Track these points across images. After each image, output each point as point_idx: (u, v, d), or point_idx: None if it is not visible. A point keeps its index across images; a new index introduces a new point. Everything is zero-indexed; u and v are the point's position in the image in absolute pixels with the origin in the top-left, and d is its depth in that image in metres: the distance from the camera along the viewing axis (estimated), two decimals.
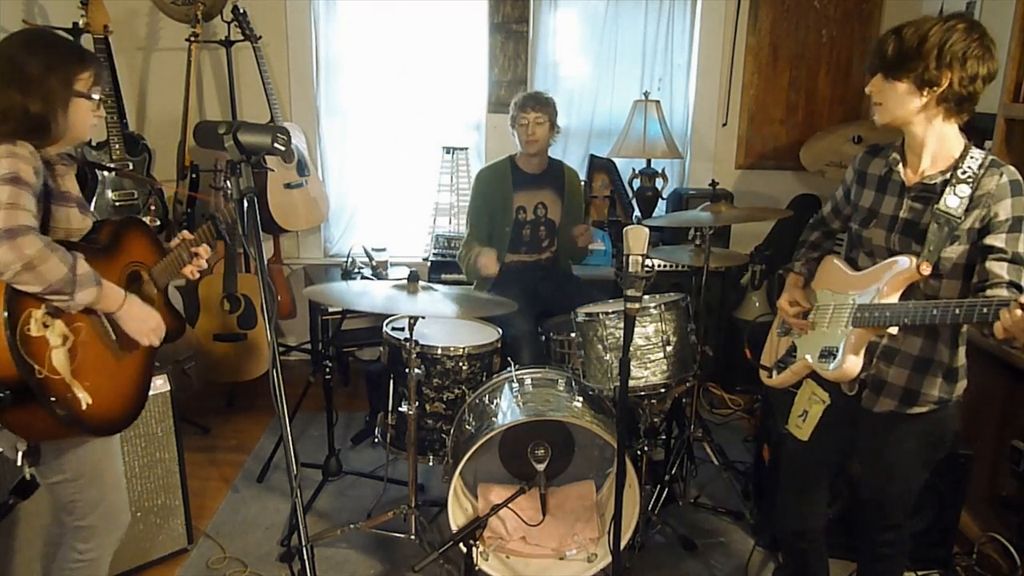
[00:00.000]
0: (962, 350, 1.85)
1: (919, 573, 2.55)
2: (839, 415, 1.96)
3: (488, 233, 3.32)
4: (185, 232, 2.00)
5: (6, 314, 1.56)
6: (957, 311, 1.56)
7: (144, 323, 1.80)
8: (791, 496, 2.17)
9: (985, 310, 1.52)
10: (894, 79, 1.72)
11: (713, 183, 3.40)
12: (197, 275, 2.04)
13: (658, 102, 3.96)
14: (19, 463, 1.72)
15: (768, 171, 4.32)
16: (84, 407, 1.68)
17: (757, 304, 4.02)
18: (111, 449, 1.91)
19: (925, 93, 1.70)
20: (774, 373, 2.09)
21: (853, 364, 1.80)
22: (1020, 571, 2.51)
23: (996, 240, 1.68)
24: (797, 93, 4.23)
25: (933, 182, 1.76)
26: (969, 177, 1.71)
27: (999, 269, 1.66)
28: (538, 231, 3.38)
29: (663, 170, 4.03)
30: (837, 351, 1.83)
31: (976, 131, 1.82)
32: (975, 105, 1.75)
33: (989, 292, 1.66)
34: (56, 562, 1.92)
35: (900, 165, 1.83)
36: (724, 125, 4.27)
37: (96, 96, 1.78)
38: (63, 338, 1.65)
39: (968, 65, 1.67)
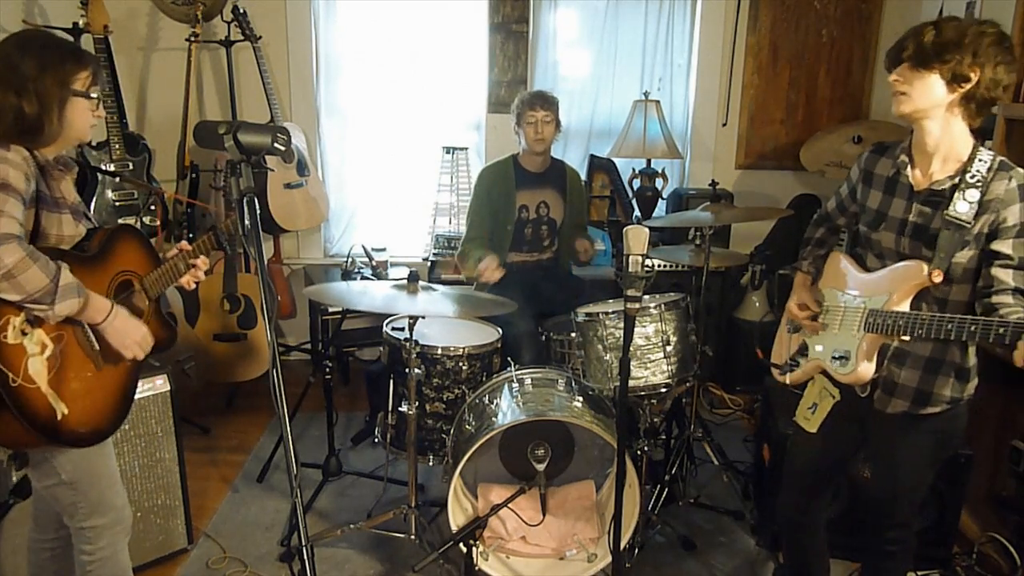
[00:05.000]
0: (972, 350, 1.85)
1: (919, 573, 2.55)
2: (848, 413, 1.96)
3: (489, 232, 3.32)
4: (184, 243, 1.98)
5: None
6: (972, 328, 1.56)
7: (127, 336, 1.77)
8: (794, 490, 2.17)
9: (1001, 331, 1.51)
10: (926, 69, 1.70)
11: (713, 183, 3.40)
12: (193, 286, 2.01)
13: (658, 102, 3.96)
14: (4, 466, 1.71)
15: (768, 171, 4.32)
16: (59, 417, 1.65)
17: (757, 304, 4.02)
18: (103, 447, 1.87)
19: (953, 88, 1.70)
20: (787, 372, 2.09)
21: (866, 369, 1.80)
22: (1020, 571, 2.51)
23: (1003, 246, 1.68)
24: (797, 93, 4.23)
25: (942, 187, 1.75)
26: (978, 181, 1.70)
27: (1005, 276, 1.67)
28: (540, 230, 3.38)
29: (663, 170, 4.03)
30: (850, 355, 1.83)
31: (976, 131, 1.82)
32: (990, 109, 1.75)
33: (994, 299, 1.66)
34: (76, 567, 1.91)
35: (908, 168, 1.82)
36: (724, 125, 4.27)
37: (95, 95, 1.75)
38: (41, 347, 1.63)
39: (998, 69, 1.68)
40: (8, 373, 1.57)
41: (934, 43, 1.69)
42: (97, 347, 1.76)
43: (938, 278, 1.71)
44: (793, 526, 2.20)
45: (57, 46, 1.74)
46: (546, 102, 3.22)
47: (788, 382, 2.09)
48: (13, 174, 1.58)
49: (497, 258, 3.15)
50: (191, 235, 3.68)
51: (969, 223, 1.70)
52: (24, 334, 1.60)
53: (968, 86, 1.68)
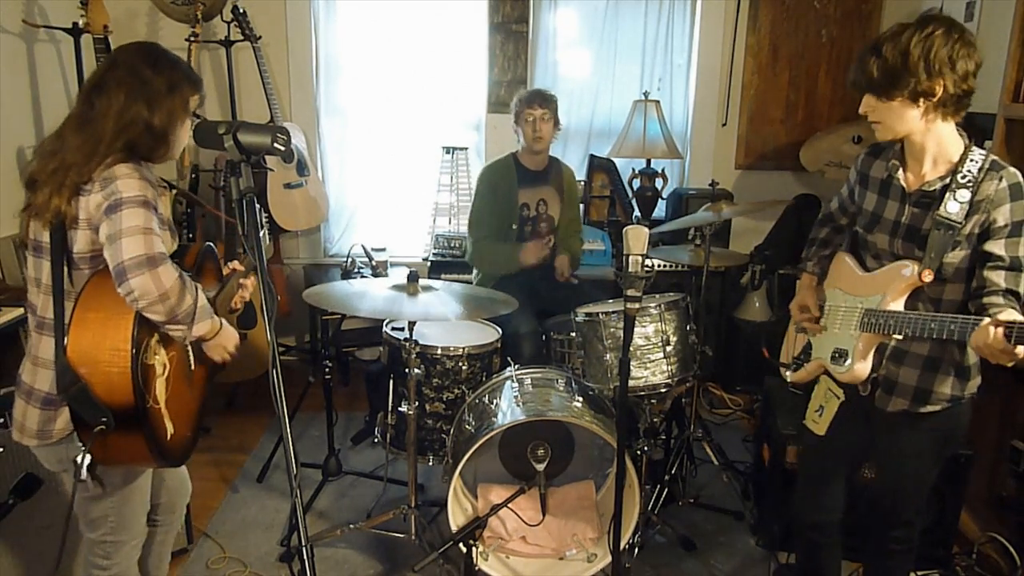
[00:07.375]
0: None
1: (919, 573, 2.55)
2: (855, 412, 1.97)
3: (495, 231, 3.32)
4: (235, 263, 1.98)
5: (133, 347, 1.54)
6: (952, 327, 1.58)
7: (228, 345, 1.80)
8: (808, 489, 2.17)
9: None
10: (887, 99, 1.71)
11: (713, 183, 3.40)
12: (241, 307, 2.00)
13: (658, 102, 3.96)
14: (83, 477, 1.63)
15: (768, 171, 4.32)
16: (168, 437, 1.65)
17: (757, 304, 4.02)
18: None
19: (921, 103, 1.69)
20: (792, 370, 2.10)
21: (863, 367, 1.82)
22: (1020, 571, 2.51)
23: (995, 247, 1.68)
24: (797, 93, 4.23)
25: (933, 188, 1.76)
26: (969, 182, 1.71)
27: (996, 277, 1.67)
28: (540, 228, 3.39)
29: (663, 170, 4.03)
30: (848, 354, 1.85)
31: (976, 131, 1.82)
32: (971, 99, 1.74)
33: (985, 300, 1.66)
34: None
35: (900, 171, 1.83)
36: (724, 125, 4.27)
37: (198, 115, 1.78)
38: (163, 367, 1.64)
39: (958, 67, 1.66)
40: (147, 394, 1.57)
41: (882, 73, 1.68)
42: (192, 367, 1.77)
43: (928, 278, 1.72)
44: (808, 525, 2.20)
45: (181, 67, 1.75)
46: (544, 100, 3.22)
47: (791, 380, 2.11)
48: (151, 192, 1.58)
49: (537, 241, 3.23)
50: (191, 235, 3.68)
51: (960, 223, 1.70)
52: (155, 354, 1.60)
53: (936, 98, 1.68)
